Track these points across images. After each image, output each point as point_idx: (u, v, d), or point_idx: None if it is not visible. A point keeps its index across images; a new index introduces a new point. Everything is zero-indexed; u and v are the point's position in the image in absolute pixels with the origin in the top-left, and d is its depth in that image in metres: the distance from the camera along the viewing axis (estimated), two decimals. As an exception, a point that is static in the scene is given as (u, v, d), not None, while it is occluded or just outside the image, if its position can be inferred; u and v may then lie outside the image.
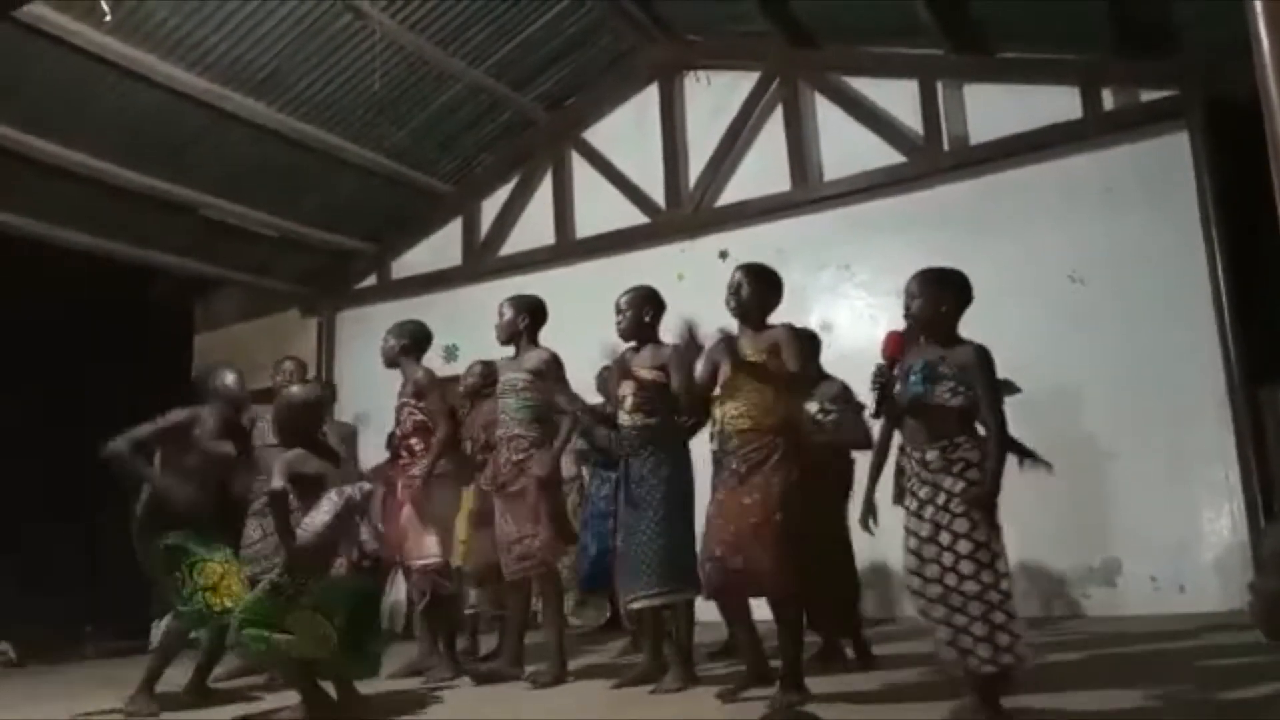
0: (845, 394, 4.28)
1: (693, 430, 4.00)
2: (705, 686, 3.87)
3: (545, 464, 4.24)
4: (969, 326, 3.25)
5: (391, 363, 4.75)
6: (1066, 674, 3.76)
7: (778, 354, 3.55)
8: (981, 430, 3.05)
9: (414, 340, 4.78)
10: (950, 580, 2.90)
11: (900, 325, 3.25)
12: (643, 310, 4.17)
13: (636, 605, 4.05)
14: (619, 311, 4.20)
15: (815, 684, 3.48)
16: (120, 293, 7.77)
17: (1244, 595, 4.73)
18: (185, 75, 5.92)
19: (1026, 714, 2.99)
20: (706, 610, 3.92)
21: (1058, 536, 5.47)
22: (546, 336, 4.53)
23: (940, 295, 3.16)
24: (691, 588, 4.04)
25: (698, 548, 4.07)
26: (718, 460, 3.62)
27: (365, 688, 3.83)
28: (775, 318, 3.72)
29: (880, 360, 3.18)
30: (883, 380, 3.13)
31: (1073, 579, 5.59)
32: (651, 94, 7.41)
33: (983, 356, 3.08)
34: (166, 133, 6.33)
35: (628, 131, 7.47)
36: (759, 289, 3.67)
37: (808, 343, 4.39)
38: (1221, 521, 5.28)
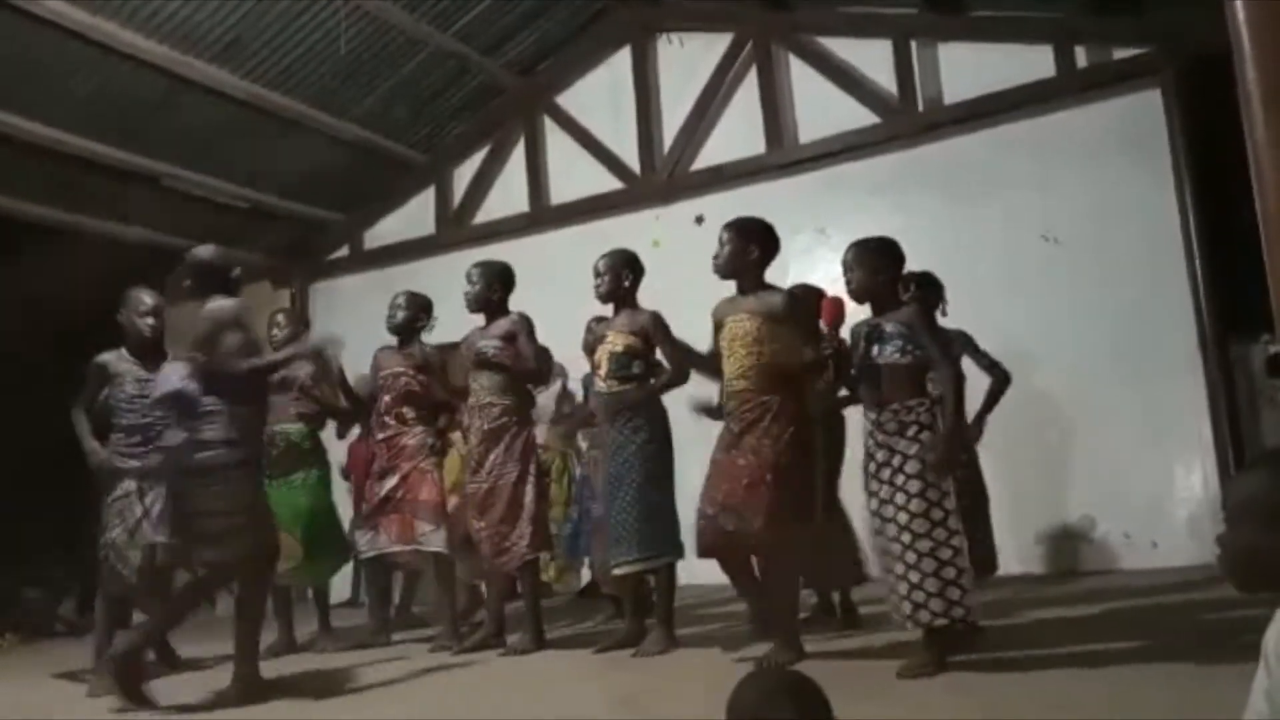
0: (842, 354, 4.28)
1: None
2: (687, 649, 3.91)
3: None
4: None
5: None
6: (1041, 630, 3.82)
7: (777, 320, 3.50)
8: (932, 390, 3.15)
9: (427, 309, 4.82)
10: (905, 539, 3.01)
11: (839, 288, 3.32)
12: (621, 274, 4.15)
13: (619, 572, 4.08)
14: (597, 275, 4.18)
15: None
16: (84, 266, 7.61)
17: (1215, 550, 4.83)
18: (144, 42, 5.75)
19: (990, 664, 3.05)
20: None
21: (1033, 494, 5.53)
22: (523, 305, 4.50)
23: (878, 265, 3.24)
24: (672, 553, 4.07)
25: (679, 511, 4.11)
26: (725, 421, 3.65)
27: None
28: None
29: (824, 327, 3.25)
30: (830, 349, 3.21)
31: (1048, 536, 5.66)
32: (624, 58, 7.31)
33: (922, 313, 3.20)
34: (126, 102, 6.17)
35: (601, 96, 7.37)
36: (737, 245, 3.62)
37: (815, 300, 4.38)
38: (1194, 477, 5.36)
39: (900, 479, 3.04)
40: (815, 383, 3.69)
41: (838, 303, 3.28)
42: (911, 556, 2.99)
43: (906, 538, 3.00)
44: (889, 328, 3.16)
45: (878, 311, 3.25)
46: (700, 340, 3.80)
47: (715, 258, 3.65)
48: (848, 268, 3.29)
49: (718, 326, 3.64)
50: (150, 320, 4.24)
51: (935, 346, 3.13)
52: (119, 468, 4.12)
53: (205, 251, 3.74)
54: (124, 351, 4.27)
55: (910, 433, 3.07)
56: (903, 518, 3.02)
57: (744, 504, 3.41)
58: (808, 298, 3.89)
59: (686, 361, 3.88)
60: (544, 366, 4.39)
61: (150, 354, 4.26)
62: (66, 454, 4.34)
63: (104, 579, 4.15)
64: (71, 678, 4.33)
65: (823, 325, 3.31)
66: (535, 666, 3.97)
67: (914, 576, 2.99)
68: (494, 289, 4.39)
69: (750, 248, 3.61)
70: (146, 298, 4.29)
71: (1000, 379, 4.40)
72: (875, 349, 3.17)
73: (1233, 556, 1.36)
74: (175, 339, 3.65)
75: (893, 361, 3.13)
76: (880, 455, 3.12)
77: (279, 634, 4.85)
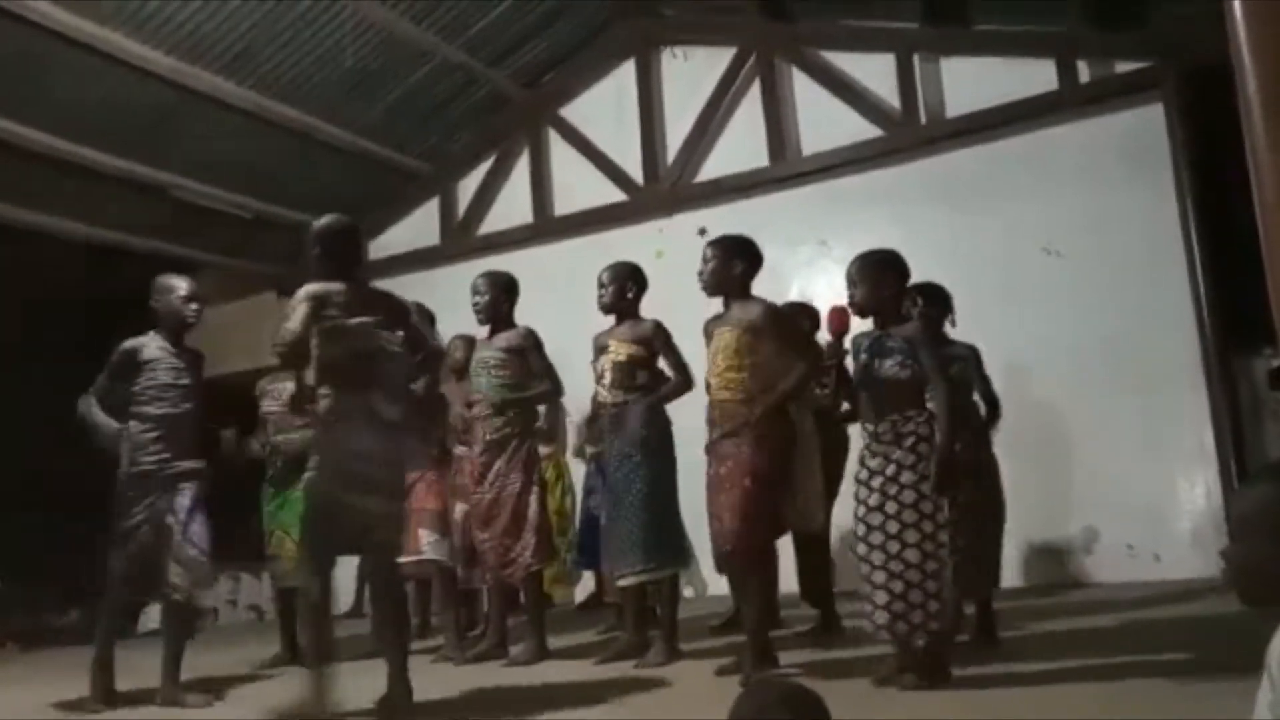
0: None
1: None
2: (689, 661, 3.90)
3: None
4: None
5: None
6: (1042, 642, 3.81)
7: (756, 332, 3.53)
8: (931, 405, 3.16)
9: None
10: (893, 548, 3.01)
11: (842, 301, 3.34)
12: (625, 285, 4.18)
13: (623, 583, 4.08)
14: (601, 286, 4.20)
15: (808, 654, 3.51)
16: (91, 277, 7.65)
17: (1217, 563, 4.81)
18: (152, 54, 5.80)
19: (990, 676, 3.04)
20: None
21: (1036, 506, 5.49)
22: (527, 316, 4.52)
23: (882, 279, 3.26)
24: (676, 563, 4.07)
25: (684, 521, 4.12)
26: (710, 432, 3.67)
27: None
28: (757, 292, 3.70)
29: (828, 338, 3.26)
30: (836, 359, 3.21)
31: (1051, 548, 5.65)
32: (628, 70, 7.35)
33: (926, 330, 3.25)
34: (134, 112, 6.22)
35: (605, 108, 7.41)
36: (720, 261, 3.64)
37: (804, 317, 4.35)
38: (1197, 490, 5.35)
39: (893, 489, 3.04)
40: (808, 388, 3.71)
41: (843, 312, 3.29)
42: (897, 566, 2.99)
43: (894, 547, 3.00)
44: (891, 342, 3.18)
45: (881, 324, 3.26)
46: (700, 352, 3.80)
47: (700, 274, 3.68)
48: (851, 281, 3.30)
49: (708, 339, 3.67)
50: (194, 305, 4.00)
51: (934, 363, 3.15)
52: (140, 469, 3.80)
53: (334, 220, 3.58)
54: (157, 337, 3.94)
55: (907, 444, 3.08)
56: (892, 527, 3.02)
57: (726, 515, 3.43)
58: (791, 312, 3.91)
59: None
60: (557, 383, 4.39)
61: (182, 343, 4.01)
62: (66, 453, 4.19)
63: (116, 587, 3.83)
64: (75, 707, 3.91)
65: (828, 335, 3.32)
66: (536, 676, 3.97)
67: (896, 586, 2.99)
68: (503, 300, 4.41)
69: (733, 263, 3.64)
70: (183, 281, 4.04)
71: (991, 412, 4.20)
72: (876, 362, 3.19)
73: (1238, 569, 1.36)
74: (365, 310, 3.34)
75: (892, 375, 3.16)
76: (874, 464, 3.12)
77: (281, 646, 4.87)
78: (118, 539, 3.82)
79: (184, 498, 3.87)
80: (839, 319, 3.28)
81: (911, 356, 3.14)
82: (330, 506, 3.18)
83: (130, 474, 3.83)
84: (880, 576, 3.01)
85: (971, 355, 3.93)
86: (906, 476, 3.04)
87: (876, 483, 3.09)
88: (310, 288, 3.30)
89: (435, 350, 3.73)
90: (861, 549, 3.08)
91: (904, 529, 3.00)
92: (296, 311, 3.24)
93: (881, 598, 3.01)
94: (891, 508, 3.03)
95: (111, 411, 3.89)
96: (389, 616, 3.39)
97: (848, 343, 3.31)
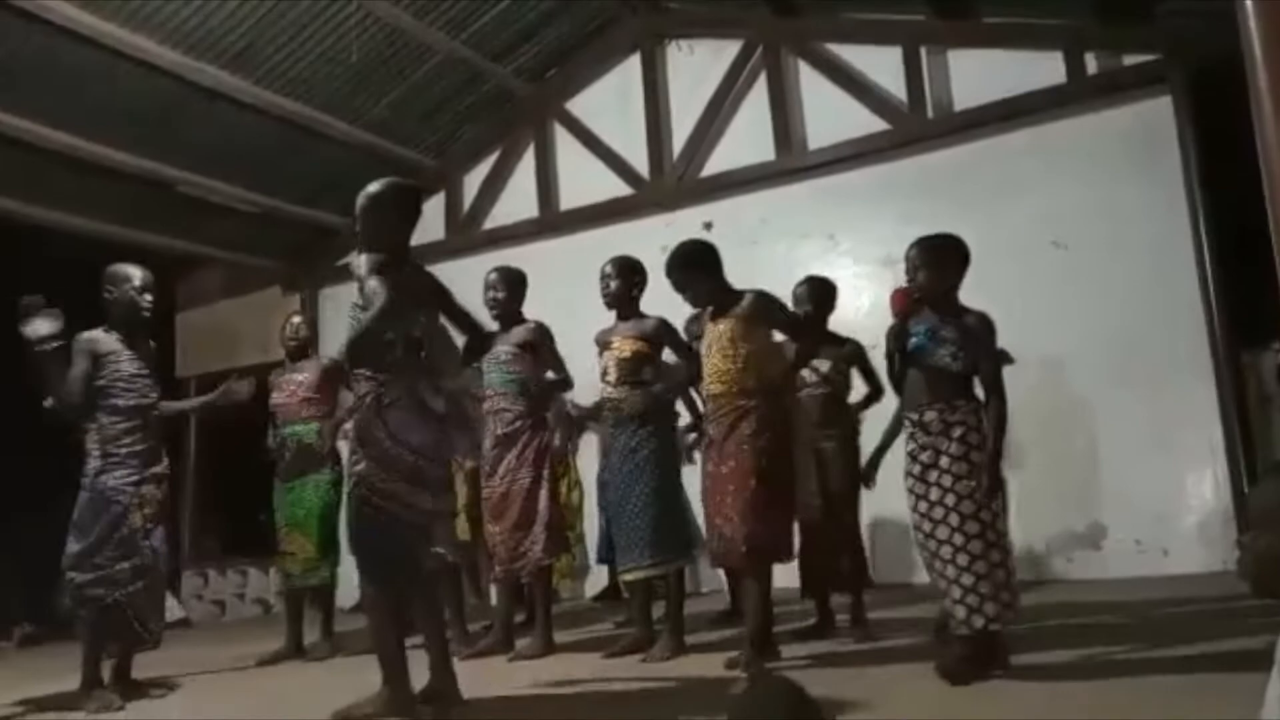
0: (860, 355, 4.23)
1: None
2: (696, 655, 3.90)
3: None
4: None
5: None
6: (1048, 637, 3.80)
7: (749, 320, 3.56)
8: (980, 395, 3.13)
9: None
10: (958, 540, 2.98)
11: (897, 285, 3.31)
12: (630, 280, 4.19)
13: (629, 577, 4.08)
14: (605, 281, 4.20)
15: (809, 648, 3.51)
16: (94, 271, 7.65)
17: (1226, 557, 4.81)
18: (158, 49, 5.80)
19: (1021, 672, 3.03)
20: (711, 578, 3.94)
21: (1043, 500, 5.50)
22: (532, 309, 4.52)
23: (947, 265, 3.20)
24: (683, 557, 4.08)
25: (690, 515, 4.13)
26: (706, 427, 3.68)
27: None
28: (761, 284, 3.71)
29: (893, 320, 3.24)
30: (902, 343, 3.18)
31: (1059, 543, 5.64)
32: (634, 64, 7.33)
33: (987, 324, 3.14)
34: (140, 108, 6.22)
35: (610, 102, 7.40)
36: (685, 284, 3.67)
37: (821, 291, 4.25)
38: (1205, 485, 5.33)
39: (948, 480, 3.02)
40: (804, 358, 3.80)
41: (906, 294, 3.23)
42: (964, 559, 2.96)
43: (959, 539, 2.98)
44: (946, 331, 3.13)
45: (936, 311, 3.18)
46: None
47: (689, 302, 3.73)
48: (914, 266, 3.20)
49: (699, 335, 3.67)
50: (149, 296, 3.92)
51: (992, 362, 3.10)
52: (115, 474, 3.72)
53: (399, 182, 3.25)
54: (108, 331, 3.87)
55: (956, 434, 3.04)
56: (954, 519, 2.99)
57: (732, 511, 3.43)
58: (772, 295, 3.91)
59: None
60: (568, 376, 4.41)
61: (140, 334, 3.94)
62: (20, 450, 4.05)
63: (89, 593, 3.69)
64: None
65: (894, 317, 3.28)
66: (544, 671, 3.97)
67: (967, 580, 2.96)
68: (517, 296, 4.42)
69: (697, 277, 3.67)
70: (138, 271, 3.93)
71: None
72: (930, 347, 3.13)
73: (1253, 560, 1.36)
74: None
75: (944, 365, 3.10)
76: (925, 457, 3.08)
77: (286, 640, 4.88)
78: (87, 565, 3.67)
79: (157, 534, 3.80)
80: (903, 300, 3.21)
81: (964, 349, 3.09)
82: (383, 502, 2.98)
83: (103, 476, 3.72)
84: (952, 571, 2.98)
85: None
86: (959, 468, 3.01)
87: (932, 476, 3.05)
88: (374, 259, 2.99)
89: (489, 334, 3.57)
90: (932, 545, 3.04)
91: (965, 520, 2.98)
92: (378, 296, 2.88)
93: (956, 592, 2.98)
94: (951, 500, 3.00)
95: (78, 410, 3.75)
96: (434, 611, 3.23)
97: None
